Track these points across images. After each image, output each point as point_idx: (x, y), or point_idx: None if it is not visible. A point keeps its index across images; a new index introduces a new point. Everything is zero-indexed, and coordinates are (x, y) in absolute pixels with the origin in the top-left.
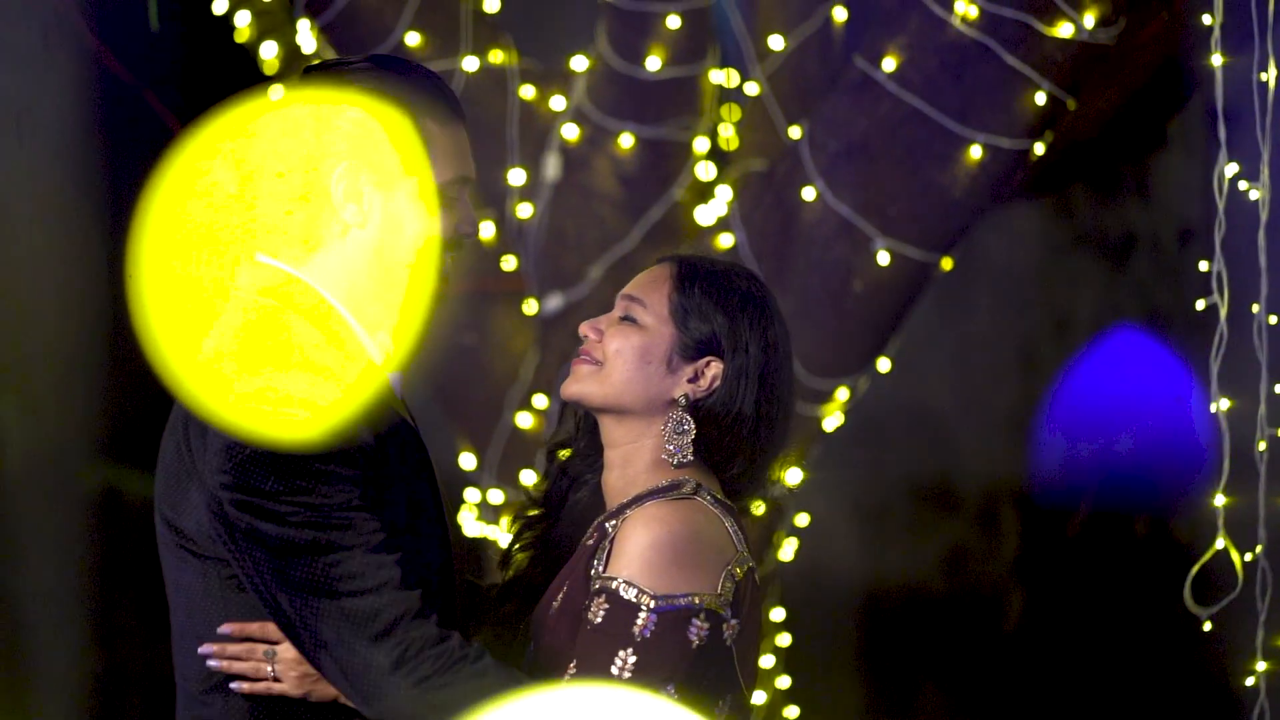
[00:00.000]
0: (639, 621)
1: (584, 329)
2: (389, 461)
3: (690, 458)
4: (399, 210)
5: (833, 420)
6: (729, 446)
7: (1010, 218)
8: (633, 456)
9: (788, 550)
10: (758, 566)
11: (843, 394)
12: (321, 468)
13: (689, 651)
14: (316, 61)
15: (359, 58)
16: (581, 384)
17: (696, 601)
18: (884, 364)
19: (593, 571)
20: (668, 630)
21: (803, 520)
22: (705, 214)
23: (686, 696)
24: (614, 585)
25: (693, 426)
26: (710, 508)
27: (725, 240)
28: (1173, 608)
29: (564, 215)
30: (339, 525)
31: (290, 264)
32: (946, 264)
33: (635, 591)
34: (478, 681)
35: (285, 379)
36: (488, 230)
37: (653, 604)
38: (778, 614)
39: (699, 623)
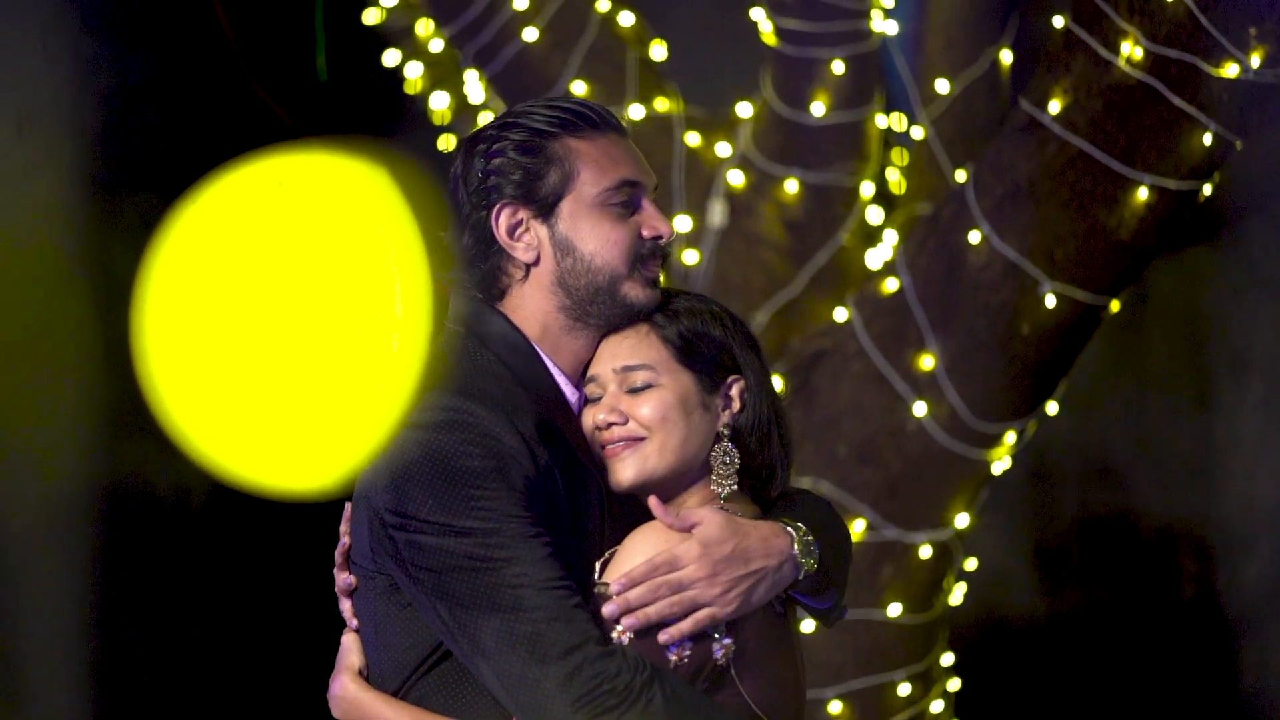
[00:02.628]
0: (615, 632)
1: (602, 417)
2: (552, 485)
3: (736, 487)
4: (565, 234)
5: (1000, 464)
6: (769, 460)
7: (1184, 258)
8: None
9: (957, 594)
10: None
11: (1010, 438)
12: (479, 493)
13: (664, 666)
14: (484, 111)
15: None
16: (639, 465)
17: None
18: (1052, 407)
19: (594, 577)
20: (643, 642)
21: (971, 564)
22: (872, 258)
23: None
24: (604, 591)
25: (737, 455)
26: None
27: (891, 284)
28: None
29: (729, 262)
30: (501, 548)
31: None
32: (1114, 306)
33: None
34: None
35: (449, 399)
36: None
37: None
38: (947, 659)
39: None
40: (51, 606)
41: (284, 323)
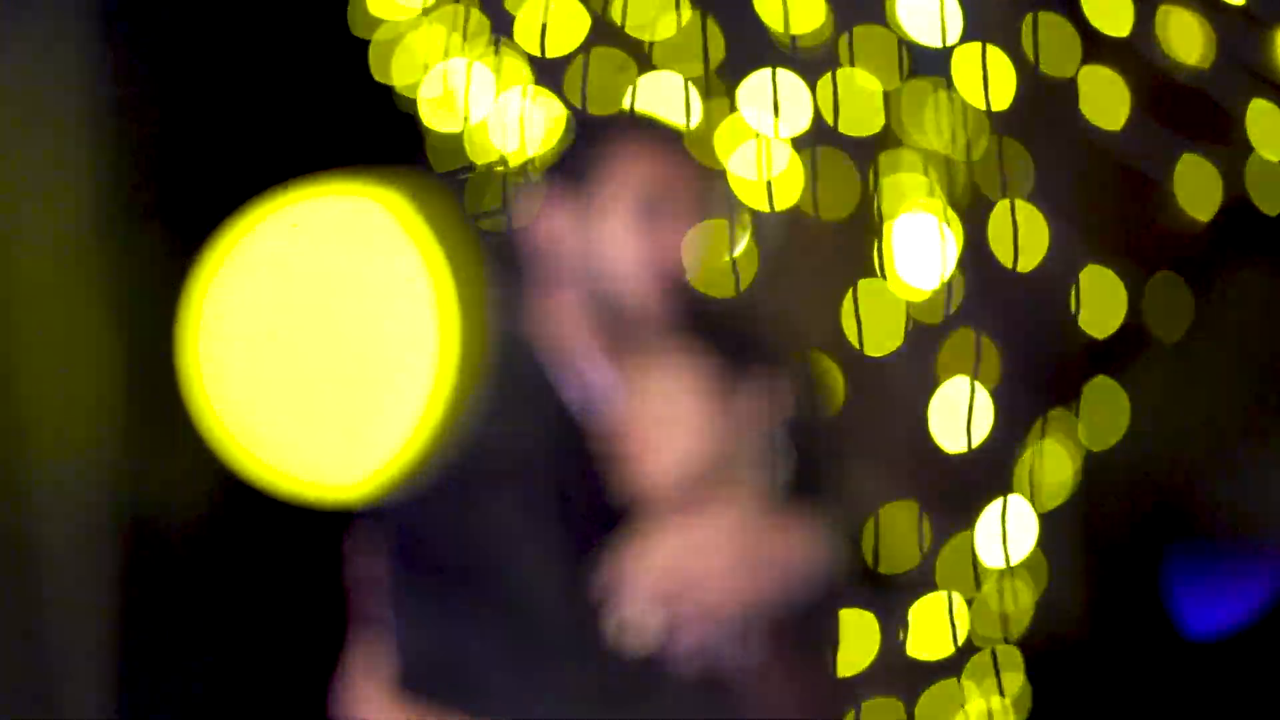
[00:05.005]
0: (625, 618)
1: (630, 420)
2: (562, 479)
3: (771, 491)
4: (602, 234)
5: (1053, 476)
6: (803, 466)
7: (1244, 277)
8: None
9: (1009, 614)
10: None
11: (1055, 446)
12: (487, 488)
13: (672, 662)
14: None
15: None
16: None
17: None
18: (1111, 428)
19: (609, 572)
20: (652, 636)
21: (1024, 585)
22: (910, 255)
23: None
24: (618, 581)
25: (767, 459)
26: None
27: (930, 283)
28: None
29: (761, 263)
30: (501, 541)
31: None
32: (1162, 308)
33: None
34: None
35: None
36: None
37: None
38: (1005, 680)
39: None
40: (80, 619)
41: (318, 339)
